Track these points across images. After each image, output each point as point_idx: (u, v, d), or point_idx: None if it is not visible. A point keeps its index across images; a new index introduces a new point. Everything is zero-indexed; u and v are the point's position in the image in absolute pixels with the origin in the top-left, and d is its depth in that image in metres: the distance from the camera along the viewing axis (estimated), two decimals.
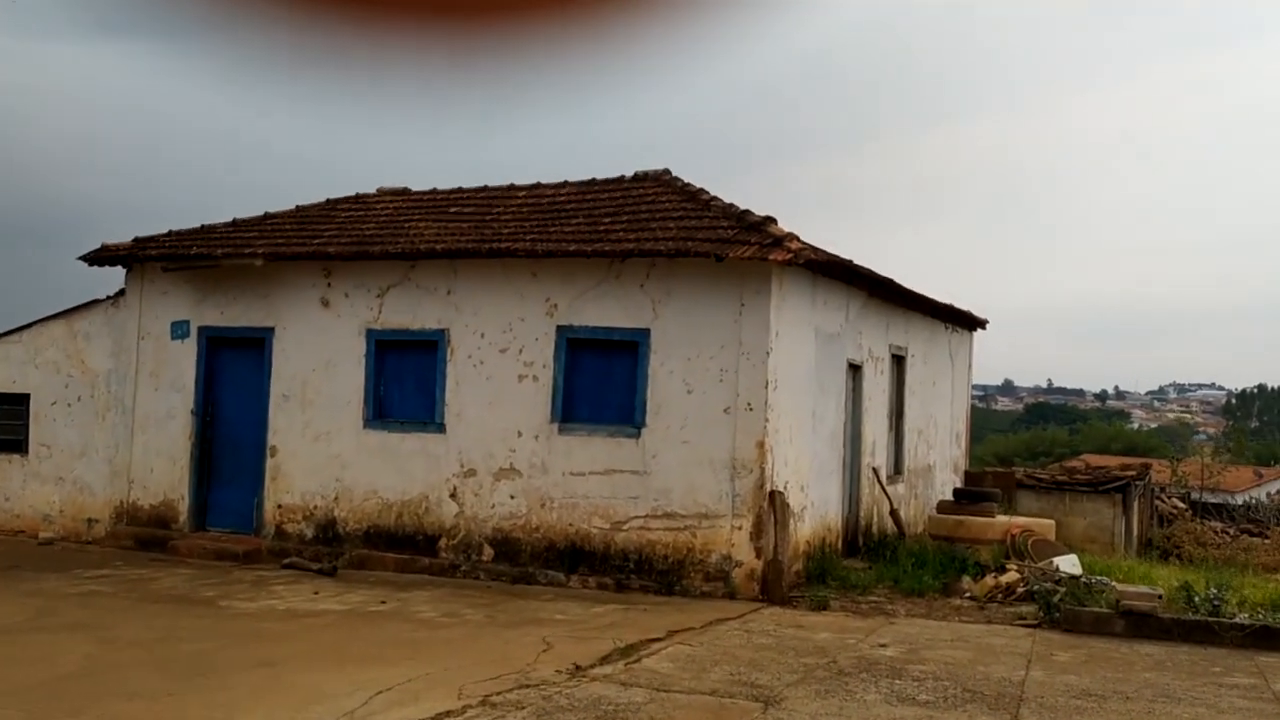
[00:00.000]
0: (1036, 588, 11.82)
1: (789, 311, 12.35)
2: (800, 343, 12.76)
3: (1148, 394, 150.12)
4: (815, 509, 13.25)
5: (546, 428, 12.71)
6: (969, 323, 19.94)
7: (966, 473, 20.01)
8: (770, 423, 11.86)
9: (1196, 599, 10.55)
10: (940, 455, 18.71)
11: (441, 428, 13.24)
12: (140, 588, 11.93)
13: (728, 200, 13.22)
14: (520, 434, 12.81)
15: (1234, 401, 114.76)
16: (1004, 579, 12.29)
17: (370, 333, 13.72)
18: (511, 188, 15.38)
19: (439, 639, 9.51)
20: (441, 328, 13.33)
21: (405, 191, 16.12)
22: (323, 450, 13.88)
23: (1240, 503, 25.58)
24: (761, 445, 11.78)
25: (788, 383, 12.31)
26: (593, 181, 14.98)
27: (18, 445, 15.77)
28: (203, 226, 15.47)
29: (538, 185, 15.28)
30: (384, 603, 11.25)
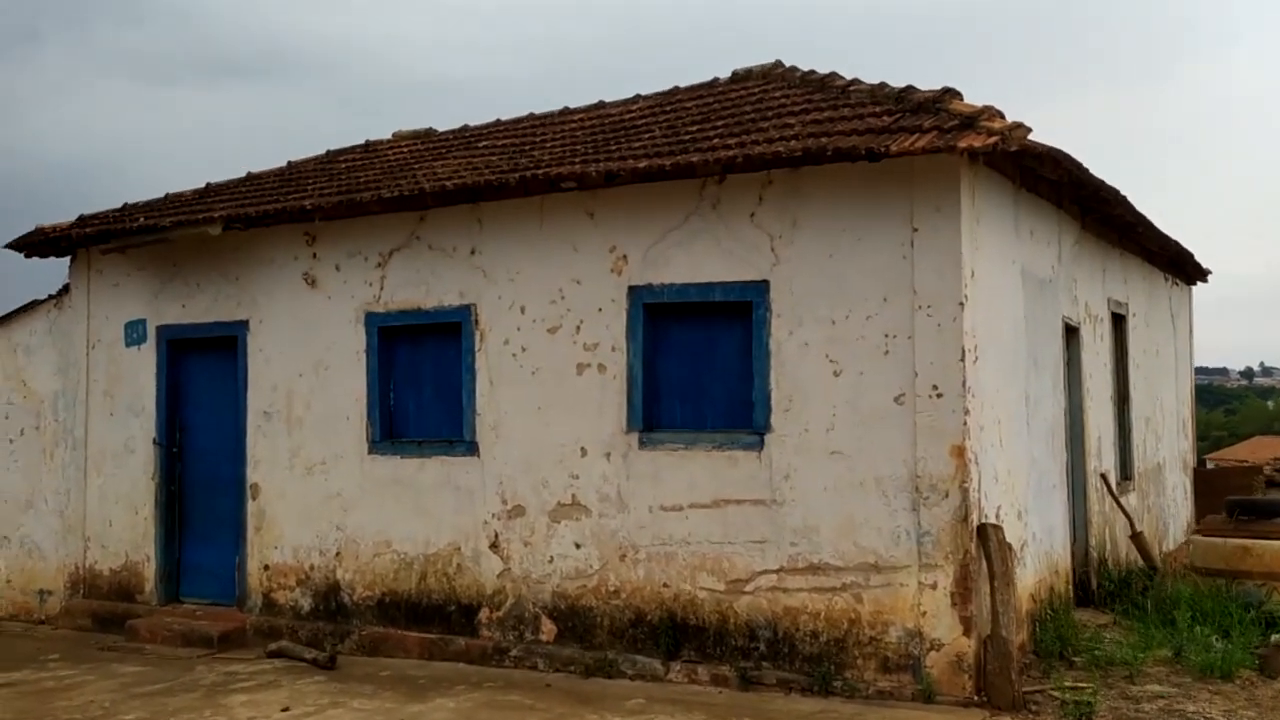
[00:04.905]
0: None
1: (988, 240, 7.89)
2: (1005, 289, 8.29)
3: None
4: (1038, 544, 8.73)
5: (622, 440, 8.48)
6: (1189, 273, 15.08)
7: (1196, 471, 15.10)
8: (972, 415, 7.41)
9: None
10: (1169, 451, 13.88)
11: (473, 448, 9.12)
12: (40, 707, 8.09)
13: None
14: (584, 451, 8.61)
15: None
16: None
17: (371, 318, 9.69)
18: (565, 111, 11.23)
19: None
20: (465, 303, 9.22)
21: (429, 133, 12.13)
22: (318, 487, 9.89)
23: None
24: (961, 452, 7.33)
25: (991, 353, 7.85)
26: (674, 90, 10.73)
27: None
28: (166, 196, 11.72)
29: (600, 104, 11.09)
30: None
